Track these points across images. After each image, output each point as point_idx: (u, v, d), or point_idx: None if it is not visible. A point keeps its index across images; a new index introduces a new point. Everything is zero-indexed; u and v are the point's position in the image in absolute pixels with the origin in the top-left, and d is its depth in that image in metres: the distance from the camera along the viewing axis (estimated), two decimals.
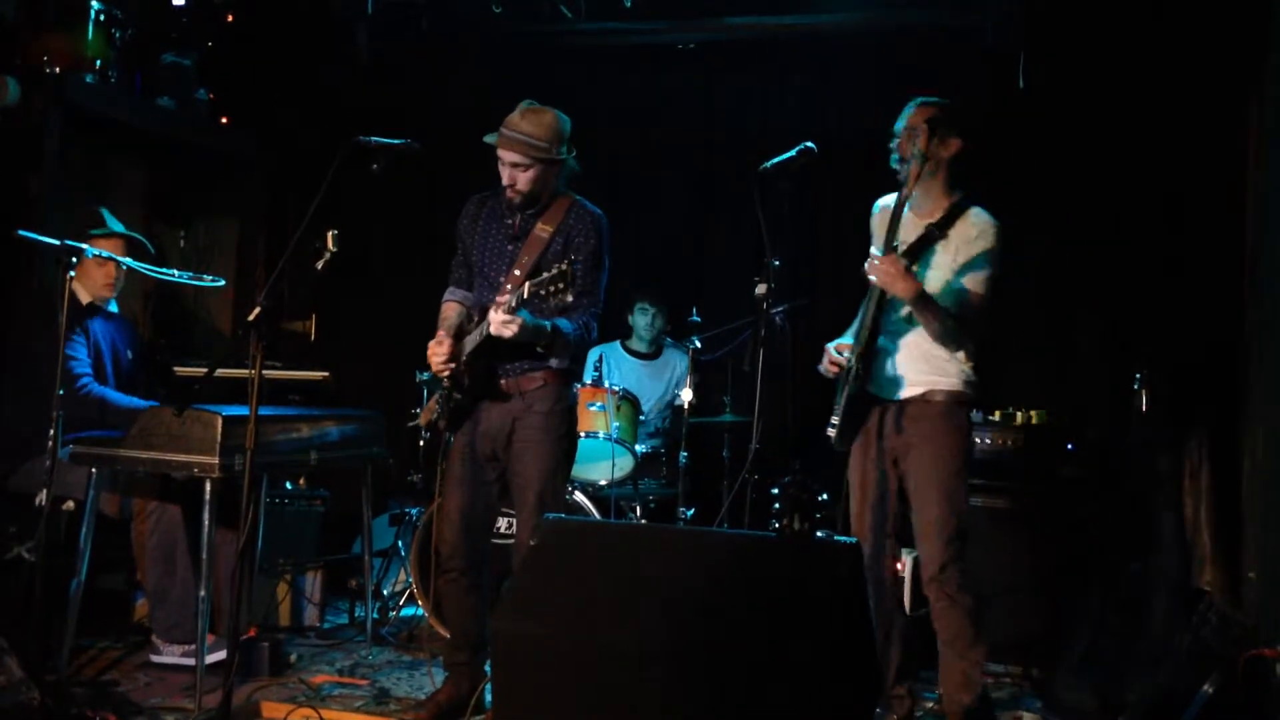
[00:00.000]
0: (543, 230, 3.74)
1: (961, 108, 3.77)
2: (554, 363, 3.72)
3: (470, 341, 3.70)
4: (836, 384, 3.82)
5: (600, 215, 3.83)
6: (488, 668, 3.60)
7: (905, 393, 3.71)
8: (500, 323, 3.47)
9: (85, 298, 4.45)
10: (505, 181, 3.70)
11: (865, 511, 3.78)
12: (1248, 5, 4.73)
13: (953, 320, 3.57)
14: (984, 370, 3.71)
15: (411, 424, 3.99)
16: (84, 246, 4.00)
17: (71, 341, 4.26)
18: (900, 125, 3.76)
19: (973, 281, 3.61)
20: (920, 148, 3.54)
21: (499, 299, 3.52)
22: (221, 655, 4.00)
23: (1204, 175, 5.14)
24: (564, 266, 3.34)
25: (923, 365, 3.68)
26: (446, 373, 3.73)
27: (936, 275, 3.66)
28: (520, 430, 3.74)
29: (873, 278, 3.63)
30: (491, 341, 3.57)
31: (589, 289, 3.73)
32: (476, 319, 3.74)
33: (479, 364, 3.71)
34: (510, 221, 3.80)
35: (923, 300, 3.55)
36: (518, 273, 3.69)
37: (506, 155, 3.68)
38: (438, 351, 3.72)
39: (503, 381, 3.74)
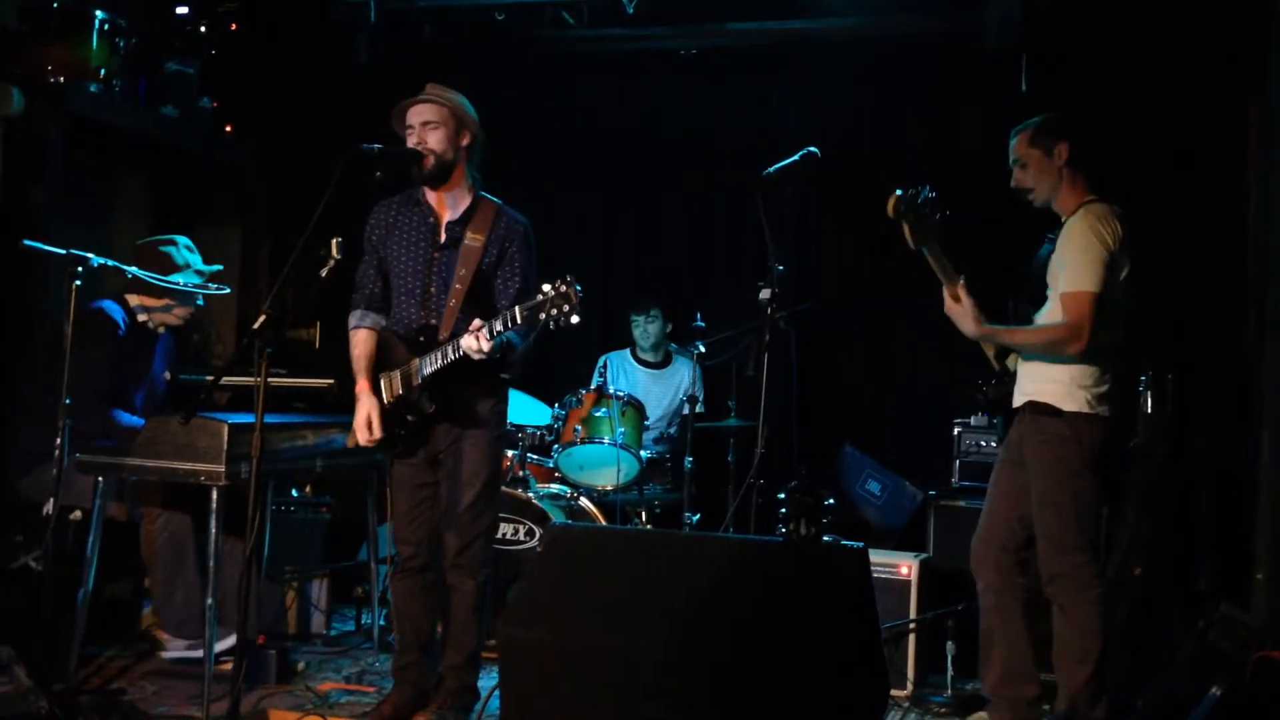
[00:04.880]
0: (474, 240, 3.68)
1: (1059, 115, 3.70)
2: (504, 375, 3.74)
3: (432, 362, 3.60)
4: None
5: (528, 224, 3.81)
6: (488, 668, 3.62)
7: (1018, 401, 3.71)
8: (474, 348, 3.41)
9: (142, 316, 4.47)
10: (414, 143, 3.65)
11: (981, 517, 3.81)
12: (1249, 5, 4.74)
13: (1037, 336, 3.56)
14: (1114, 381, 3.60)
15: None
16: (89, 255, 4.01)
17: (105, 361, 4.27)
18: (1011, 163, 3.74)
19: (1065, 278, 3.52)
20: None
21: (479, 323, 3.41)
22: (230, 642, 4.00)
23: (1207, 175, 5.14)
24: (562, 288, 3.25)
25: (1028, 374, 3.67)
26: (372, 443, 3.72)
27: (1050, 282, 3.63)
28: (462, 431, 3.72)
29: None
30: (453, 363, 3.54)
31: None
32: (422, 340, 3.66)
33: (437, 384, 3.64)
34: (433, 222, 3.75)
35: (996, 335, 3.56)
36: (458, 286, 3.64)
37: (417, 115, 3.66)
38: (368, 437, 3.69)
39: (453, 394, 3.69)
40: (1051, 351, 3.56)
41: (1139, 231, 5.22)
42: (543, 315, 3.28)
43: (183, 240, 4.53)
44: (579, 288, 3.26)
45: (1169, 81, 5.22)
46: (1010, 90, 5.44)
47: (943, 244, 3.55)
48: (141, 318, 4.47)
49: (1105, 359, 3.57)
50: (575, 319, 3.26)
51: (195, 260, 4.49)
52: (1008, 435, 3.78)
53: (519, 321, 3.35)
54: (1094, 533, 3.61)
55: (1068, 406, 3.56)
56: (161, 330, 4.58)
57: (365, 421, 3.70)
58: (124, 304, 4.43)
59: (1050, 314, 3.61)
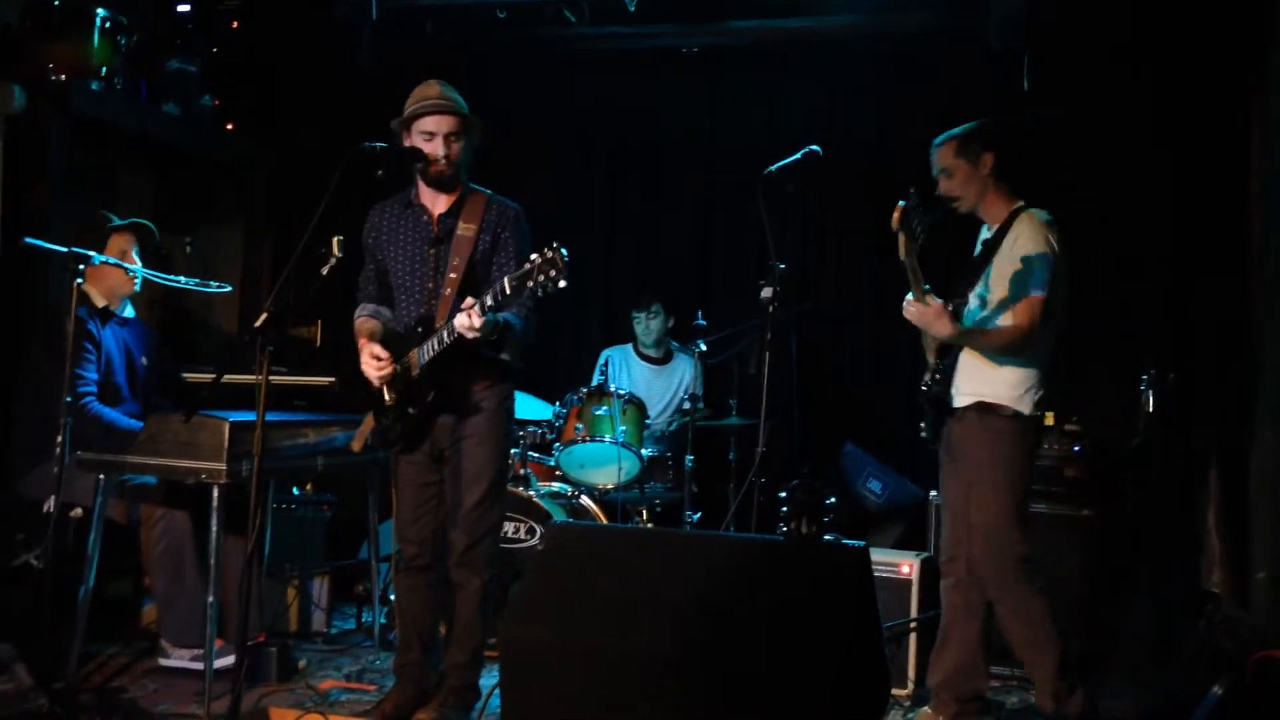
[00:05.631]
0: (466, 229, 3.70)
1: (985, 126, 3.78)
2: (505, 356, 3.73)
3: (429, 350, 3.62)
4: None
5: (519, 209, 3.82)
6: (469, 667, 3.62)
7: (958, 402, 3.76)
8: (465, 325, 3.42)
9: (101, 301, 4.44)
10: (438, 153, 3.64)
11: (945, 520, 3.87)
12: (1250, 5, 4.73)
13: (998, 336, 3.62)
14: (1048, 384, 3.70)
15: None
16: (90, 253, 4.00)
17: (83, 361, 4.26)
18: (935, 172, 3.82)
19: (1018, 287, 3.61)
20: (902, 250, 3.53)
21: (469, 300, 3.44)
22: (229, 660, 4.00)
23: (1209, 174, 5.14)
24: (548, 254, 3.27)
25: (972, 375, 3.71)
26: (387, 378, 3.70)
27: (994, 286, 3.68)
28: (467, 428, 3.72)
29: (909, 318, 3.64)
30: (450, 348, 3.55)
31: None
32: (420, 330, 3.68)
33: (434, 373, 3.65)
34: (426, 219, 3.76)
35: (964, 336, 3.61)
36: (453, 275, 3.66)
37: (443, 125, 3.65)
38: (380, 366, 3.66)
39: (454, 384, 3.69)
40: (1007, 353, 3.64)
41: (1141, 231, 5.27)
42: (531, 283, 3.29)
43: (110, 215, 4.55)
44: (565, 252, 3.27)
45: (1170, 81, 5.22)
46: (1012, 89, 5.43)
47: (946, 244, 3.61)
48: (101, 304, 4.46)
49: (1045, 362, 3.69)
50: (563, 284, 3.27)
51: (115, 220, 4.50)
52: (946, 437, 3.82)
53: (508, 292, 3.37)
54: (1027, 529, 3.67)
55: (1021, 408, 3.65)
56: (121, 309, 4.55)
57: (371, 357, 3.68)
58: (84, 299, 4.39)
59: (1001, 317, 3.67)
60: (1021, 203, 3.75)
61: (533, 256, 3.30)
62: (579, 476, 5.25)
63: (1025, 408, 3.66)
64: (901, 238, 3.49)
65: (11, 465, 4.40)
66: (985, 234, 3.82)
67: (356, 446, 3.91)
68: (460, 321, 3.44)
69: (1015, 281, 3.61)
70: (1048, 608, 3.63)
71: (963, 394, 3.74)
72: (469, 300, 3.45)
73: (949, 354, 3.75)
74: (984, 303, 3.71)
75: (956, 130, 3.79)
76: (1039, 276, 3.58)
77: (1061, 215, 5.37)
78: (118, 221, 4.49)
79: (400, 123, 3.71)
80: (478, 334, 3.45)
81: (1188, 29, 5.11)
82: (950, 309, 3.66)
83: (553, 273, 3.26)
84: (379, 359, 3.67)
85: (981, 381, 3.69)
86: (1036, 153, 5.47)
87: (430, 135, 3.67)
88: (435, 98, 3.68)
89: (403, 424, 3.73)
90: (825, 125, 6.00)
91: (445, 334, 3.56)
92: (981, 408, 3.68)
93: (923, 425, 3.87)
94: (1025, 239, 3.62)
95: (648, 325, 5.88)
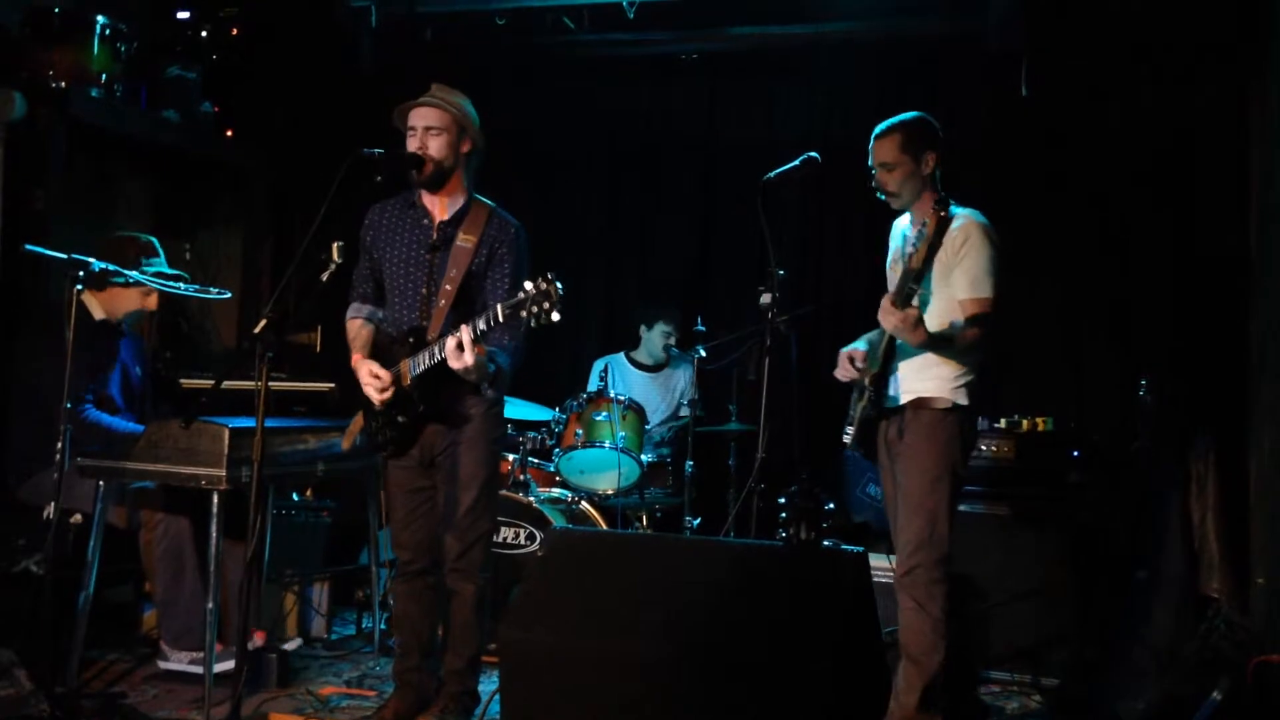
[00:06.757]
0: (466, 240, 3.69)
1: (930, 121, 3.76)
2: (489, 393, 3.69)
3: (420, 362, 3.59)
4: (850, 389, 3.86)
5: (520, 227, 3.80)
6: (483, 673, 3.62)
7: (901, 401, 3.72)
8: (452, 350, 3.41)
9: (99, 314, 4.44)
10: (415, 145, 3.65)
11: (891, 521, 3.81)
12: (1248, 7, 4.74)
13: (962, 339, 3.58)
14: (982, 376, 3.69)
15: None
16: (90, 260, 4.00)
17: (82, 370, 4.25)
18: (871, 162, 3.77)
19: (967, 285, 3.59)
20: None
21: (464, 325, 3.42)
22: (229, 665, 4.00)
23: (1208, 177, 5.15)
24: (543, 285, 3.25)
25: (917, 375, 3.68)
26: (388, 399, 3.65)
27: (938, 286, 3.66)
28: (457, 434, 3.71)
29: (884, 323, 3.61)
30: (441, 362, 3.52)
31: None
32: (411, 340, 3.65)
33: (426, 384, 3.62)
34: (427, 224, 3.76)
35: (931, 342, 3.56)
36: (449, 287, 3.65)
37: (420, 118, 3.66)
38: (381, 386, 3.62)
39: (445, 393, 3.68)
40: (968, 355, 3.63)
41: (1140, 233, 5.28)
42: (524, 313, 3.28)
43: (153, 240, 4.53)
44: (560, 285, 3.26)
45: (1170, 82, 5.22)
46: (1011, 92, 5.44)
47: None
48: (100, 316, 4.45)
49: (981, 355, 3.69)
50: (556, 316, 3.26)
51: (157, 264, 4.46)
52: (884, 441, 3.77)
53: (501, 319, 3.36)
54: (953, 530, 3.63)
55: (959, 399, 3.63)
56: (123, 324, 4.54)
57: (369, 375, 3.65)
58: (81, 310, 4.37)
59: (947, 315, 3.63)
60: (950, 202, 3.67)
61: (527, 286, 3.28)
62: (579, 482, 5.25)
63: (962, 398, 3.63)
64: (924, 246, 3.49)
65: (10, 471, 4.40)
66: (909, 231, 3.76)
67: (345, 445, 3.90)
68: (449, 346, 3.42)
69: (967, 284, 3.59)
70: (940, 628, 3.51)
71: (903, 393, 3.70)
72: (464, 329, 3.41)
73: (893, 359, 3.72)
74: (927, 305, 3.65)
75: (896, 122, 3.73)
76: (992, 278, 3.57)
77: (1060, 217, 5.43)
78: (160, 267, 4.46)
79: (398, 117, 3.73)
80: (465, 370, 3.43)
81: (1186, 30, 5.12)
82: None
83: (546, 305, 3.25)
84: (379, 378, 3.64)
85: (918, 379, 3.66)
86: (1035, 154, 5.53)
87: (412, 129, 3.68)
88: (426, 95, 3.70)
89: (391, 430, 3.72)
90: (824, 130, 6.01)
91: (438, 349, 3.54)
92: (920, 403, 3.65)
93: (848, 431, 3.81)
94: (975, 241, 3.59)
95: (665, 341, 5.87)
